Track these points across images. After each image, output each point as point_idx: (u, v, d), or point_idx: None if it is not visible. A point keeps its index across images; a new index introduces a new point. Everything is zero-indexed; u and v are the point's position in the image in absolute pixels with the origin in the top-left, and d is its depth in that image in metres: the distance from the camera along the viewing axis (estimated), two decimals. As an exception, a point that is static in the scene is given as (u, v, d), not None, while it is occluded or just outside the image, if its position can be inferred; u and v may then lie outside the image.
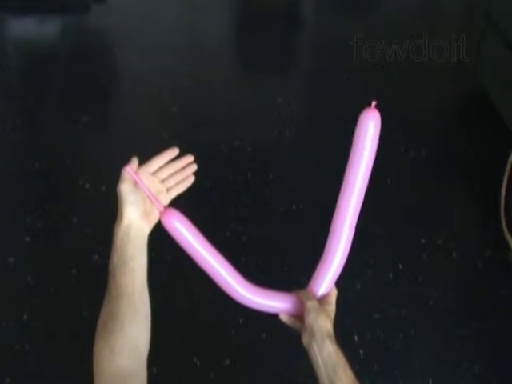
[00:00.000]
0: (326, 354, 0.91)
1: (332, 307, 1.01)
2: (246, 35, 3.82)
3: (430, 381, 1.82)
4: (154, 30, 3.58)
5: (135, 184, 0.93)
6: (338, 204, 0.96)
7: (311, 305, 0.97)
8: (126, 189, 0.92)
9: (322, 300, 1.01)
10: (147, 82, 3.14)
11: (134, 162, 0.96)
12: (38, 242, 2.21)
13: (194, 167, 1.04)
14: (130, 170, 0.92)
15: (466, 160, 2.69)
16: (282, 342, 1.93)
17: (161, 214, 0.93)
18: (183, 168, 1.03)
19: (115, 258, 0.91)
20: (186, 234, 0.93)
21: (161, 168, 0.99)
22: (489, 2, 2.75)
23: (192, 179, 1.03)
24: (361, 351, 1.87)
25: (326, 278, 1.00)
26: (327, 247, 0.99)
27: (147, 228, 0.95)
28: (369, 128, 0.91)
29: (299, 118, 2.97)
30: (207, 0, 4.07)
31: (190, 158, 1.04)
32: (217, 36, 3.73)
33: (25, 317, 1.94)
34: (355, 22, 3.81)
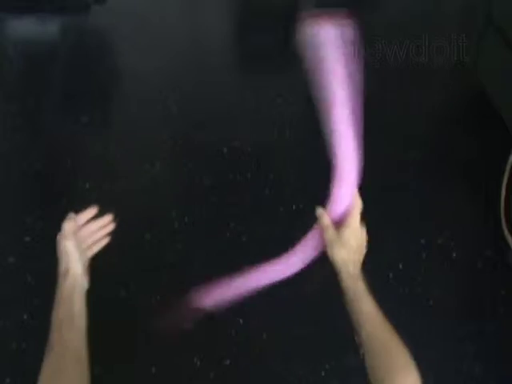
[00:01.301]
0: (346, 288, 0.93)
1: (352, 230, 0.97)
2: (246, 35, 3.82)
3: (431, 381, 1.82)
4: (154, 30, 3.58)
5: (76, 239, 0.95)
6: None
7: (328, 236, 0.95)
8: (71, 245, 0.94)
9: (342, 224, 0.96)
10: (147, 82, 3.14)
11: (74, 218, 0.99)
12: (38, 242, 2.21)
13: (111, 227, 1.05)
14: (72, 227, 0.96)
15: (466, 160, 2.69)
16: (282, 341, 1.93)
17: None
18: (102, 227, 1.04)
19: (60, 314, 0.92)
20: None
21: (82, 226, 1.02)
22: (489, 2, 2.74)
23: (107, 240, 1.05)
24: (361, 351, 1.86)
25: (341, 192, 0.95)
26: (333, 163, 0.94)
27: (86, 284, 0.97)
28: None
29: (299, 118, 2.97)
30: (207, 0, 4.06)
31: (108, 218, 1.04)
32: (217, 36, 3.73)
33: (25, 317, 1.94)
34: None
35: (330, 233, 0.95)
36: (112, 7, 3.74)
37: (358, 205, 0.97)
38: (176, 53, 3.41)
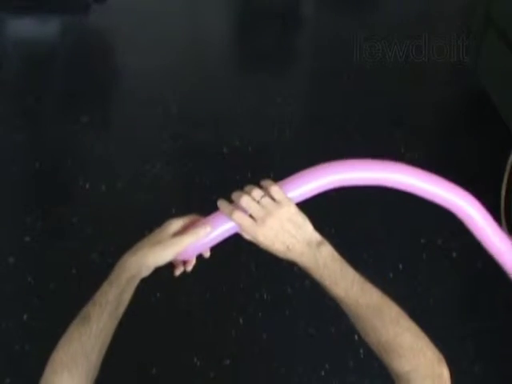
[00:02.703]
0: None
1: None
2: (246, 35, 3.82)
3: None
4: (154, 30, 3.58)
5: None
6: None
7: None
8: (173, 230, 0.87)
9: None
10: (147, 82, 3.14)
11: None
12: (38, 242, 2.21)
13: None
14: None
15: (466, 160, 2.69)
16: (282, 342, 1.93)
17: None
18: None
19: (112, 295, 0.83)
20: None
21: None
22: (489, 2, 2.74)
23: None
24: (361, 351, 1.87)
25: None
26: None
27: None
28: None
29: (299, 118, 2.97)
30: (207, 0, 4.07)
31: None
32: (217, 36, 3.73)
33: (25, 317, 1.94)
34: (355, 21, 3.81)
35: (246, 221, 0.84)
36: (112, 7, 3.74)
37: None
38: (176, 53, 3.41)
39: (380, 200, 2.26)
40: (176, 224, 0.88)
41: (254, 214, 0.84)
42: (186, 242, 0.86)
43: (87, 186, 2.44)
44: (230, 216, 0.85)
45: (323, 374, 1.86)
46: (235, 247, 2.11)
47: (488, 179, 2.48)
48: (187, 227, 0.89)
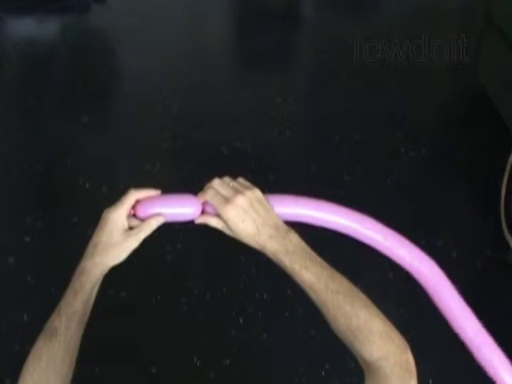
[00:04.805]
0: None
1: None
2: (246, 35, 3.82)
3: (430, 381, 1.82)
4: (154, 30, 3.58)
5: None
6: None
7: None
8: (122, 223, 0.87)
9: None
10: (147, 82, 3.14)
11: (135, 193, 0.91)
12: (38, 242, 2.21)
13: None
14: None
15: (466, 160, 2.69)
16: (281, 342, 1.93)
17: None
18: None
19: (79, 305, 0.83)
20: None
21: None
22: (489, 2, 2.74)
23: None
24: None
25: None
26: None
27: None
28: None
29: (299, 118, 2.97)
30: (207, 0, 4.07)
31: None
32: (217, 36, 3.73)
33: (25, 317, 1.94)
34: (355, 21, 3.81)
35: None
36: (112, 7, 3.74)
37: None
38: (176, 53, 3.42)
39: (380, 200, 2.26)
40: (122, 215, 0.87)
41: (224, 194, 0.87)
42: (142, 236, 0.87)
43: (87, 185, 2.44)
44: (202, 194, 0.89)
45: (323, 374, 1.86)
46: (235, 247, 2.12)
47: (488, 179, 2.48)
48: (140, 204, 0.90)
